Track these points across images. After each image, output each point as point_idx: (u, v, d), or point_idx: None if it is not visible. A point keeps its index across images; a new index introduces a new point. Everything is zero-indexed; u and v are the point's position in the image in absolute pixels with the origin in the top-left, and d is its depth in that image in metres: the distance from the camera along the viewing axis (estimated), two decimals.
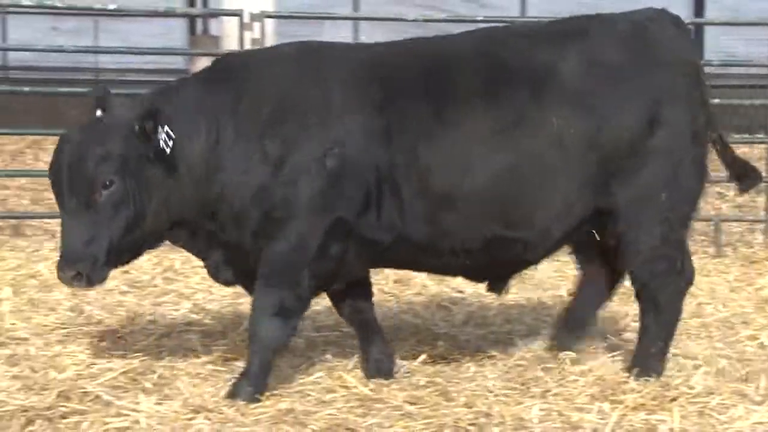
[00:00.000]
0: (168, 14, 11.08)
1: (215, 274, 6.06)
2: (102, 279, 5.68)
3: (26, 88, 12.12)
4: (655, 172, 5.98)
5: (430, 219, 5.84)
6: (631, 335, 7.06)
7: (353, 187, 5.77)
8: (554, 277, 8.69)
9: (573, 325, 6.54)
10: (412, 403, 5.79)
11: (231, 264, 5.95)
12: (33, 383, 5.91)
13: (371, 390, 5.92)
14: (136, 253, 5.86)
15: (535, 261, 6.24)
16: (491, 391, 6.02)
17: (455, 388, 6.01)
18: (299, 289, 5.82)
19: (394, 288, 8.14)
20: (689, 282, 6.20)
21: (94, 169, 5.54)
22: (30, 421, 5.38)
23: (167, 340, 6.81)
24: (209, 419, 5.45)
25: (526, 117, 5.86)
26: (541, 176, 5.89)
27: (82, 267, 5.54)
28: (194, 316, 7.38)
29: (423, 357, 6.53)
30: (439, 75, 5.93)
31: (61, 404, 5.57)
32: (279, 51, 6.41)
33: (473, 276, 6.34)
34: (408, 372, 6.24)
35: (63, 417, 5.46)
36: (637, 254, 6.05)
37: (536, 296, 8.14)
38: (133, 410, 5.55)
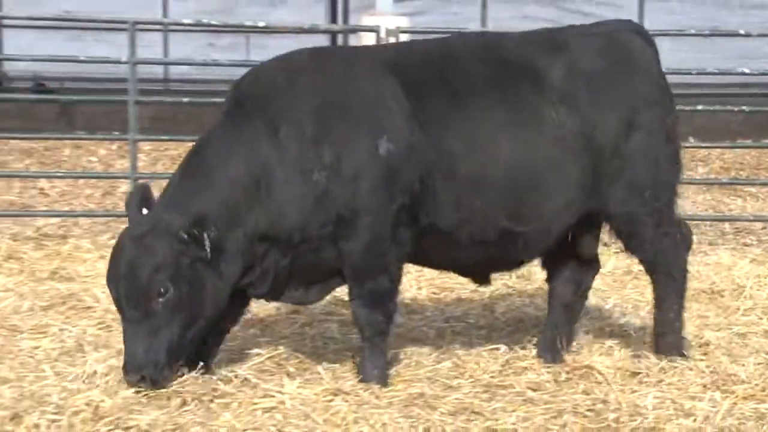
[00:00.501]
0: (312, 30, 11.18)
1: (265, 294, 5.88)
2: (167, 378, 5.52)
3: (185, 99, 12.31)
4: (638, 171, 5.96)
5: (456, 205, 5.74)
6: (741, 329, 6.92)
7: (407, 174, 5.66)
8: None
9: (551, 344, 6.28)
10: (533, 390, 5.75)
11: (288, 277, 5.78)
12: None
13: (495, 377, 5.89)
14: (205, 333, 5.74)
15: (527, 260, 6.18)
16: (608, 379, 5.95)
17: (573, 376, 5.94)
18: (388, 274, 5.75)
19: (516, 283, 8.08)
20: (690, 245, 6.23)
21: (149, 280, 5.40)
22: (185, 402, 5.45)
23: (309, 328, 6.85)
24: (347, 401, 5.47)
25: (532, 113, 5.81)
26: (546, 172, 5.83)
27: (146, 372, 5.44)
28: (333, 306, 7.40)
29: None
30: (454, 71, 5.85)
31: (213, 386, 5.63)
32: (294, 61, 6.00)
33: (470, 272, 6.20)
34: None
35: (214, 398, 5.52)
36: (640, 244, 6.11)
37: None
38: (278, 392, 5.59)
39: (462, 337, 6.72)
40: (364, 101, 5.72)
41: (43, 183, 12.39)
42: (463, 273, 6.27)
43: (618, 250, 9.45)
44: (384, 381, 5.75)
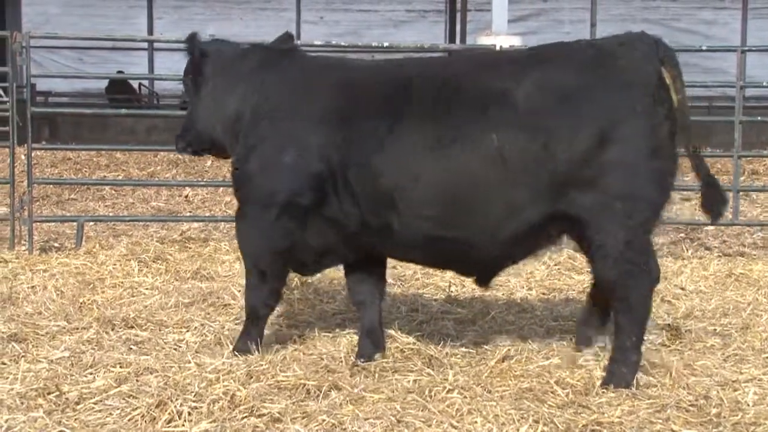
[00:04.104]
0: (432, 50, 11.16)
1: None
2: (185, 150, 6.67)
3: None
4: (612, 182, 5.52)
5: (377, 214, 5.77)
6: None
7: (310, 180, 5.80)
8: None
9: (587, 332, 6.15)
10: (637, 386, 5.62)
11: None
12: (318, 358, 6.03)
13: (599, 371, 5.78)
14: None
15: (500, 258, 5.89)
16: (710, 376, 5.80)
17: (677, 373, 5.81)
18: (270, 261, 6.00)
19: None
20: (655, 281, 5.75)
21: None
22: (308, 392, 5.46)
23: (426, 325, 6.83)
24: (462, 394, 5.42)
25: (466, 135, 5.59)
26: (476, 185, 5.59)
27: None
28: (449, 305, 7.39)
29: (648, 345, 6.35)
30: (399, 95, 5.78)
31: (336, 378, 5.63)
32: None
33: (457, 270, 6.15)
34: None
35: (337, 389, 5.53)
36: (604, 257, 5.59)
37: (752, 293, 7.79)
38: (398, 384, 5.57)
39: (570, 334, 6.62)
40: (303, 110, 5.91)
41: (187, 191, 12.66)
42: (454, 270, 6.26)
43: (720, 255, 9.33)
44: (249, 352, 6.02)
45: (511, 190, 5.58)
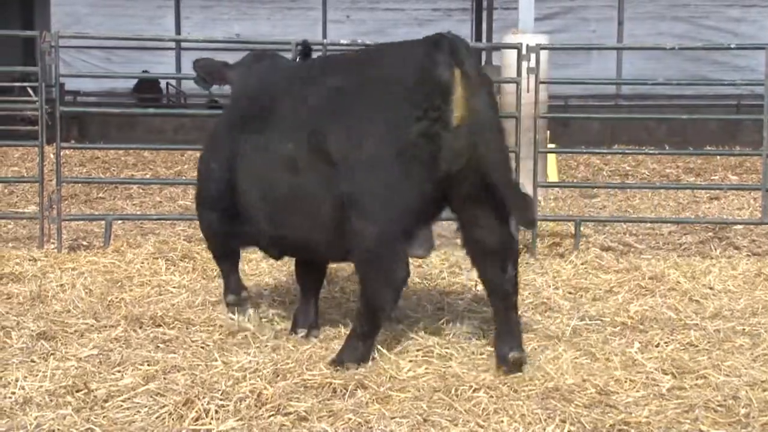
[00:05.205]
0: None
1: None
2: None
3: None
4: (357, 180, 5.62)
5: (242, 212, 6.30)
6: None
7: (223, 181, 6.38)
8: None
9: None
10: (665, 384, 5.59)
11: None
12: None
13: (626, 370, 5.76)
14: None
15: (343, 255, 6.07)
16: (739, 377, 5.76)
17: (705, 374, 5.77)
18: (219, 251, 6.88)
19: (649, 283, 7.92)
20: (395, 280, 5.72)
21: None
22: (335, 391, 5.45)
23: (452, 325, 6.81)
24: (488, 393, 5.41)
25: (276, 137, 6.00)
26: (285, 183, 5.97)
27: None
28: (475, 304, 7.37)
29: (675, 345, 6.32)
30: (268, 102, 6.22)
31: (362, 377, 5.62)
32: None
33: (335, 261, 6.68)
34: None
35: (363, 388, 5.53)
36: (357, 246, 5.70)
37: None
38: (424, 383, 5.56)
39: (596, 334, 6.60)
40: (227, 115, 6.70)
41: None
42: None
43: (748, 254, 9.26)
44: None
45: (310, 188, 5.85)
